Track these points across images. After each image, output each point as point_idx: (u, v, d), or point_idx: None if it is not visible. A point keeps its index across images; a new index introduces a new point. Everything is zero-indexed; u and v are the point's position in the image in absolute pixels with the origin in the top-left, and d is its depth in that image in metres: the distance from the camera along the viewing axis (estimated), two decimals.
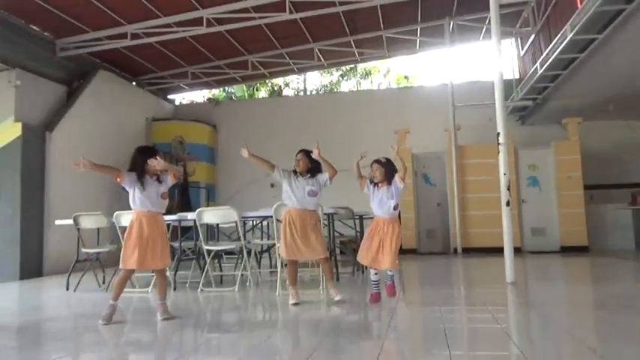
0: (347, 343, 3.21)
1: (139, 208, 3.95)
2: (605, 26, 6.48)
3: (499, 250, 5.66)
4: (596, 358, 2.58)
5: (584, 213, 9.62)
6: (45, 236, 8.03)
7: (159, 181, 4.03)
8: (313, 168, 4.52)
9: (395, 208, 4.34)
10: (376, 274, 4.45)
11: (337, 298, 4.39)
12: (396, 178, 4.34)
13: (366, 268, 7.27)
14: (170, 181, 4.07)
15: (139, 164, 3.96)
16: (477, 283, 6.15)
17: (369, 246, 4.32)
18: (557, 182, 9.83)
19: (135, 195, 3.94)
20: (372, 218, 8.31)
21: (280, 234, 4.56)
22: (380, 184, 4.38)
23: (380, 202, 4.35)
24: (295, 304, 4.36)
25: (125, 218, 5.48)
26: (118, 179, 3.92)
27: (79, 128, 8.94)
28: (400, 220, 4.64)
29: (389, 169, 4.37)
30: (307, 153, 4.56)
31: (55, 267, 7.92)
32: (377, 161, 4.42)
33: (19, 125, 7.78)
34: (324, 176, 4.52)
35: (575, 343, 2.98)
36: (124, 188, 4.01)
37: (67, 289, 5.90)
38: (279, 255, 5.24)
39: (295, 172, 4.55)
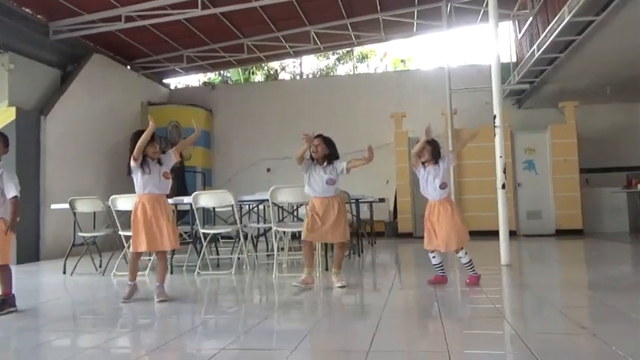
0: (343, 323, 3.24)
1: (142, 191, 3.99)
2: (603, 8, 6.44)
3: (494, 234, 5.69)
4: (589, 336, 2.62)
5: (580, 196, 9.68)
6: (41, 220, 8.02)
7: (159, 162, 4.06)
8: (330, 154, 4.41)
9: (442, 187, 4.23)
10: (434, 257, 4.33)
11: (338, 285, 4.32)
12: (451, 157, 4.31)
13: (362, 251, 7.34)
14: (173, 159, 4.13)
15: (137, 149, 3.93)
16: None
17: (429, 231, 4.24)
18: (553, 166, 9.86)
19: (139, 179, 3.99)
20: (368, 202, 8.39)
21: (305, 218, 4.47)
22: (427, 164, 4.31)
23: (427, 183, 4.29)
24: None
25: (121, 202, 5.49)
26: (135, 161, 3.93)
27: (73, 112, 8.88)
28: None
29: (434, 148, 4.30)
30: (325, 139, 4.43)
31: (51, 251, 7.93)
32: (425, 141, 4.29)
33: (13, 109, 7.72)
34: (341, 164, 4.40)
35: (568, 321, 3.01)
36: (129, 173, 4.04)
37: (64, 273, 5.92)
38: (275, 238, 5.27)
39: (312, 158, 4.42)
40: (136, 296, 4.02)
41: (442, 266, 4.36)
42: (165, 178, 4.06)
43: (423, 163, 4.34)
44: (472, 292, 4.00)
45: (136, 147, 3.89)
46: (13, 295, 3.69)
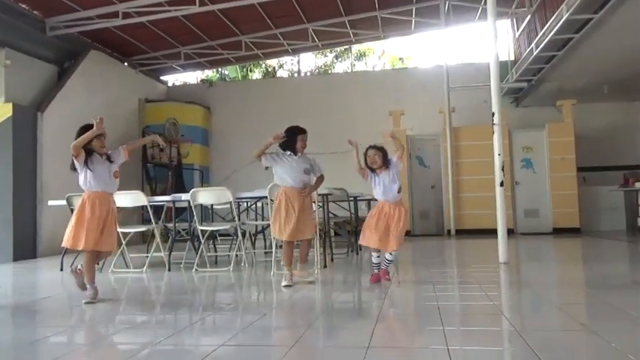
0: (341, 321, 3.24)
1: (90, 188, 3.83)
2: (601, 6, 6.45)
3: (492, 232, 5.70)
4: (588, 333, 2.62)
5: (577, 195, 9.70)
6: (38, 217, 8.00)
7: (109, 160, 3.93)
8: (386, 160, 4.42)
9: (399, 191, 4.29)
10: (378, 257, 4.40)
11: (309, 279, 4.43)
12: (395, 158, 4.28)
13: (361, 249, 7.34)
14: (123, 157, 3.99)
15: (83, 144, 3.78)
16: (470, 263, 6.19)
17: (375, 228, 4.25)
18: (550, 164, 9.88)
19: (86, 175, 3.81)
20: (366, 200, 8.39)
21: (273, 214, 4.48)
22: (379, 170, 4.32)
23: (384, 189, 4.28)
24: (287, 286, 4.28)
25: (118, 198, 5.43)
26: (78, 156, 3.76)
27: (70, 109, 8.84)
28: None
29: (385, 154, 4.33)
30: (379, 149, 4.42)
31: (48, 248, 7.90)
32: (373, 147, 4.35)
33: (10, 106, 7.68)
34: (318, 165, 4.57)
35: (567, 318, 3.02)
36: (74, 170, 3.85)
37: (62, 269, 5.90)
38: (274, 237, 5.25)
39: (287, 150, 4.47)
40: (133, 293, 4.01)
41: (379, 264, 4.43)
42: (114, 178, 3.93)
43: (373, 170, 4.35)
44: (470, 289, 4.00)
45: (75, 145, 3.71)
46: None
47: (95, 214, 3.77)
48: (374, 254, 4.41)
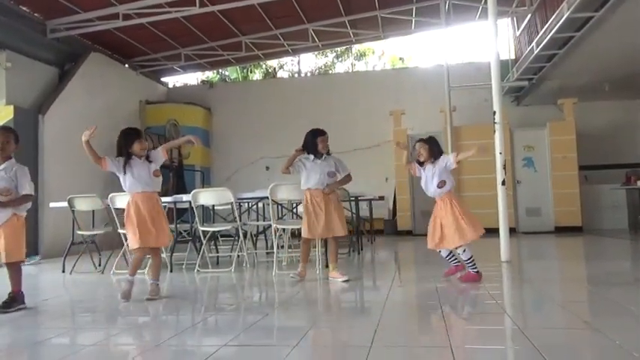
0: (344, 320, 3.24)
1: (132, 190, 3.96)
2: (602, 5, 6.44)
3: (494, 231, 5.68)
4: (591, 331, 2.61)
5: (579, 193, 9.68)
6: (40, 219, 7.99)
7: (148, 160, 4.01)
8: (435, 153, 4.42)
9: (439, 186, 4.21)
10: (440, 251, 4.33)
11: (343, 279, 4.41)
12: (452, 156, 4.22)
13: (362, 249, 7.33)
14: (162, 157, 4.06)
15: (123, 148, 3.95)
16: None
17: (432, 229, 4.25)
18: (552, 163, 9.86)
19: (126, 179, 3.95)
20: (367, 200, 8.37)
21: (303, 215, 4.59)
22: (425, 163, 4.30)
23: (426, 182, 4.29)
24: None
25: (120, 200, 5.47)
26: (104, 166, 3.90)
27: (71, 111, 8.84)
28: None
29: (433, 147, 4.28)
30: (426, 141, 4.42)
31: (50, 250, 7.90)
32: (420, 140, 4.33)
33: (11, 108, 7.68)
34: (343, 165, 4.68)
35: (570, 316, 3.01)
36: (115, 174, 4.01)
37: (63, 271, 5.90)
38: (274, 235, 5.25)
39: (315, 154, 4.55)
40: (134, 294, 4.01)
41: (453, 255, 4.33)
42: (155, 177, 4.02)
43: (420, 164, 4.33)
44: (473, 288, 3.99)
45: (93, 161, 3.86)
46: (22, 292, 3.68)
47: (141, 214, 3.91)
48: (438, 250, 4.36)
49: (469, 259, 4.17)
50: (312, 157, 4.56)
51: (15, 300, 3.61)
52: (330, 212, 4.49)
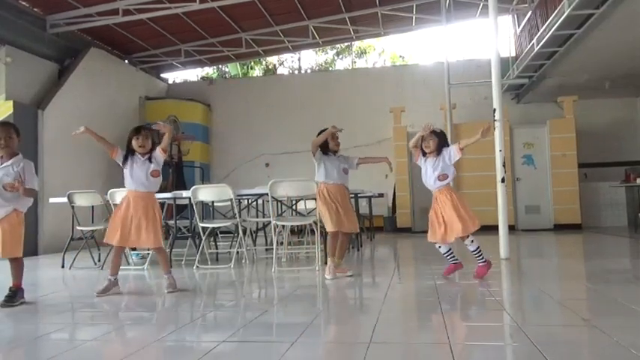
0: (343, 316, 3.24)
1: (128, 187, 4.05)
2: (602, 2, 6.43)
3: (493, 228, 5.69)
4: (590, 328, 2.62)
5: (578, 191, 9.69)
6: (39, 215, 8.00)
7: (150, 160, 4.03)
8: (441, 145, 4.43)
9: (440, 178, 4.20)
10: (440, 247, 4.32)
11: (349, 274, 4.49)
12: (454, 149, 4.16)
13: (362, 245, 7.34)
14: (160, 157, 4.07)
15: (128, 144, 4.04)
16: (471, 259, 6.18)
17: (434, 222, 4.23)
18: (551, 160, 9.86)
19: (126, 174, 4.03)
20: (367, 197, 8.37)
21: (322, 209, 4.55)
22: (429, 155, 4.30)
23: (426, 174, 4.30)
24: (333, 278, 4.39)
25: (119, 196, 5.46)
26: (113, 155, 4.04)
27: (71, 106, 8.84)
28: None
29: (442, 142, 4.26)
30: (437, 133, 4.40)
31: (50, 245, 7.91)
32: (433, 131, 4.27)
33: (11, 103, 7.68)
34: (353, 160, 4.73)
35: (569, 313, 3.01)
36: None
37: (63, 266, 5.91)
38: (274, 232, 5.25)
39: (327, 151, 4.62)
40: (135, 290, 4.02)
41: (452, 253, 4.34)
42: (152, 177, 4.03)
43: (425, 154, 4.32)
44: (472, 284, 4.00)
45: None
46: (22, 288, 3.71)
47: (129, 212, 3.96)
48: (436, 246, 4.36)
49: (477, 249, 4.16)
50: (328, 154, 4.63)
51: (16, 294, 3.63)
52: (347, 208, 4.57)
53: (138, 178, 3.98)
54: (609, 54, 8.06)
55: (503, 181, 5.60)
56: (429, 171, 4.26)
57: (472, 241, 4.15)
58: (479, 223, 4.14)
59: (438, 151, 4.25)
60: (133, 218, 3.95)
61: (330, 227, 4.50)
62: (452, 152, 4.20)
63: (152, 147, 4.07)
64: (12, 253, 3.64)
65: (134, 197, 3.99)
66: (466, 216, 4.08)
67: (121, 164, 4.04)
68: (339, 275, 4.47)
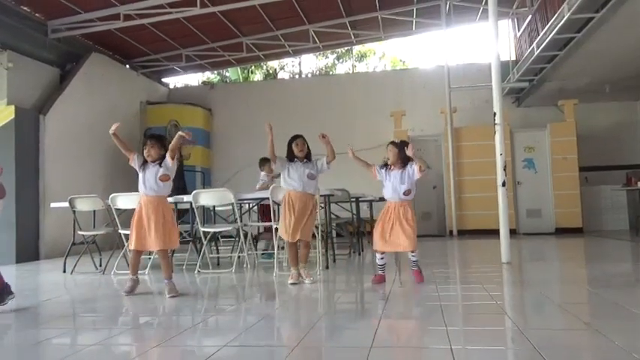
0: (344, 321, 3.24)
1: (140, 192, 4.22)
2: (602, 5, 6.44)
3: (494, 232, 5.70)
4: (591, 332, 2.62)
5: (579, 194, 9.68)
6: (41, 219, 8.01)
7: (160, 165, 4.18)
8: (309, 152, 4.64)
9: (406, 193, 4.25)
10: (382, 258, 4.41)
11: (307, 281, 4.50)
12: (416, 168, 4.20)
13: (363, 249, 7.34)
14: (169, 162, 4.19)
15: (142, 149, 4.25)
16: (473, 263, 6.19)
17: (382, 230, 4.26)
18: (552, 164, 9.86)
19: (140, 179, 4.21)
20: (368, 201, 8.38)
21: (280, 216, 4.64)
22: (392, 167, 4.31)
23: (392, 187, 4.28)
24: (293, 284, 4.42)
25: (121, 200, 5.49)
26: (130, 161, 4.24)
27: (72, 111, 8.86)
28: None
29: (401, 152, 4.27)
30: (303, 138, 4.65)
31: (51, 250, 7.92)
32: (392, 142, 4.38)
33: (12, 108, 7.70)
34: (321, 161, 4.62)
35: (570, 317, 3.01)
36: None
37: (64, 271, 5.91)
38: (275, 236, 5.25)
39: (291, 158, 4.59)
40: (137, 292, 4.03)
41: (385, 264, 4.45)
42: (161, 181, 4.17)
43: (387, 167, 4.35)
44: (473, 289, 4.00)
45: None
46: (7, 284, 3.66)
47: (142, 217, 4.13)
48: (378, 255, 4.41)
49: (417, 261, 4.38)
50: (294, 160, 4.60)
51: (2, 292, 3.60)
52: (304, 216, 4.48)
53: (148, 182, 4.15)
54: (609, 57, 8.06)
55: (504, 184, 5.60)
56: (395, 183, 4.27)
57: (414, 254, 4.34)
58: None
59: (403, 162, 4.27)
60: (147, 222, 4.12)
61: (283, 237, 4.56)
62: (415, 171, 4.22)
63: (164, 154, 4.22)
64: None
65: (145, 201, 4.17)
66: (413, 235, 4.22)
67: (137, 169, 4.23)
68: (301, 280, 4.51)
